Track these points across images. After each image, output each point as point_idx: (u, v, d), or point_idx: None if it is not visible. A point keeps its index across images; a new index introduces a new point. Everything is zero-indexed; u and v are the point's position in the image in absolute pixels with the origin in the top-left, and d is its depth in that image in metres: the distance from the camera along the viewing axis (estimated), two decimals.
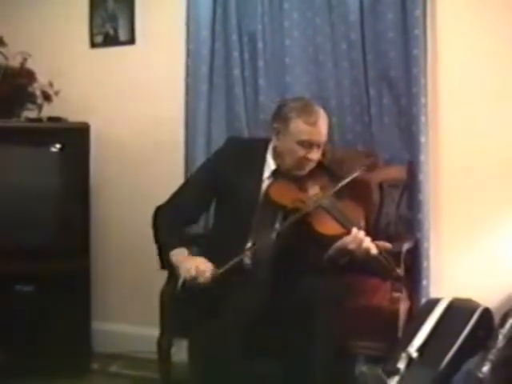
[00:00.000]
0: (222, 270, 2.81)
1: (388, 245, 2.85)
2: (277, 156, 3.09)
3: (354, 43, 3.53)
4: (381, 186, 3.45)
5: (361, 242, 2.79)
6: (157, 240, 3.07)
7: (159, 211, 3.12)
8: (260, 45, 3.68)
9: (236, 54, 3.73)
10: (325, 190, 3.02)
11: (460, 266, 3.45)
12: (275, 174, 3.10)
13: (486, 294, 3.22)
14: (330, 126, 3.13)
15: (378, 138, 3.55)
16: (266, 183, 3.09)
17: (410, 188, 3.47)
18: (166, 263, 3.03)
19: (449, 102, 3.49)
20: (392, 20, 3.45)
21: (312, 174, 3.09)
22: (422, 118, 3.41)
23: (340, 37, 3.57)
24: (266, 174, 3.10)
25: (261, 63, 3.69)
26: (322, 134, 3.02)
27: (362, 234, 2.82)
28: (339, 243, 2.85)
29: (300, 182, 3.06)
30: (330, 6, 3.58)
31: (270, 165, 3.11)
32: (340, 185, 2.98)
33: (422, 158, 3.42)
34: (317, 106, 3.07)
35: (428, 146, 3.45)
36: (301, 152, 3.00)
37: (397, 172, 3.48)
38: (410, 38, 3.40)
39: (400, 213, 3.49)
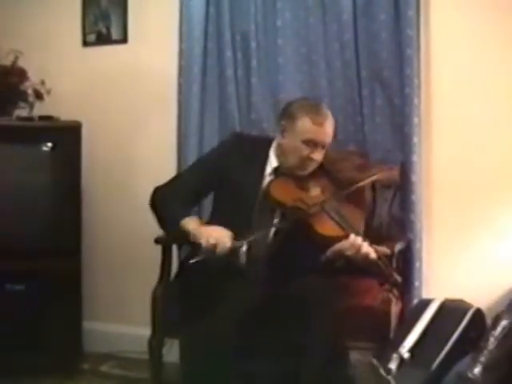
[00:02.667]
0: (239, 244, 2.82)
1: (386, 250, 2.88)
2: (280, 154, 3.10)
3: (346, 43, 3.53)
4: (373, 186, 3.45)
5: (359, 248, 2.80)
6: (161, 214, 3.05)
7: (158, 191, 3.12)
8: (253, 44, 3.68)
9: (229, 53, 3.72)
10: (327, 192, 3.03)
11: (452, 267, 3.46)
12: (277, 171, 3.11)
13: (478, 295, 3.23)
14: (336, 130, 3.13)
15: (371, 139, 3.54)
16: (266, 180, 3.09)
17: (402, 189, 3.47)
18: (175, 234, 3.02)
19: (442, 103, 3.49)
20: (385, 20, 3.45)
21: (313, 175, 3.10)
22: (415, 119, 3.42)
23: (333, 37, 3.56)
24: (268, 170, 3.11)
25: (253, 63, 3.69)
26: (327, 135, 3.04)
27: (359, 240, 2.81)
28: (337, 247, 2.85)
29: (301, 182, 3.07)
30: (323, 5, 3.58)
31: (272, 162, 3.12)
32: (346, 191, 2.97)
33: (415, 158, 3.42)
34: (325, 108, 3.09)
35: (421, 147, 3.45)
36: (305, 151, 3.01)
37: (389, 173, 3.48)
38: (403, 38, 3.40)
39: (392, 213, 3.48)
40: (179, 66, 3.82)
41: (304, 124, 3.00)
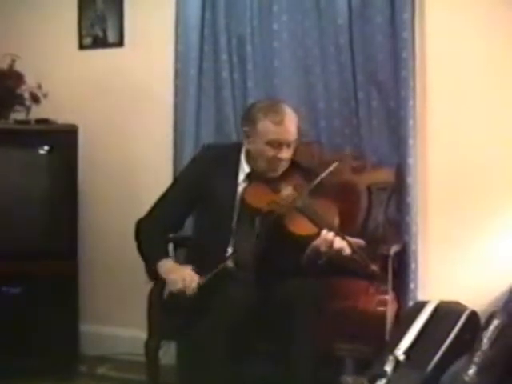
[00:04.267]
0: (206, 279, 2.85)
1: (361, 241, 2.85)
2: (250, 159, 3.11)
3: (342, 46, 3.53)
4: (369, 188, 3.47)
5: (331, 243, 2.80)
6: (141, 253, 3.10)
7: (140, 224, 3.15)
8: (249, 47, 3.68)
9: (225, 56, 3.73)
10: (298, 190, 3.02)
11: (447, 269, 3.46)
12: (250, 177, 3.11)
13: (473, 297, 3.23)
14: (300, 125, 3.11)
15: (367, 141, 3.55)
16: (241, 187, 3.10)
17: (398, 191, 3.47)
18: (152, 274, 3.07)
19: (437, 105, 3.50)
20: (380, 23, 3.46)
21: (285, 175, 3.09)
22: (411, 121, 3.42)
23: (329, 40, 3.57)
24: (241, 177, 3.12)
25: (249, 66, 3.69)
26: (289, 133, 3.02)
27: (331, 235, 2.81)
28: (313, 245, 2.86)
29: (273, 184, 3.06)
30: (319, 9, 3.59)
31: (245, 168, 3.12)
32: (312, 185, 2.98)
33: (411, 160, 3.43)
34: (284, 105, 3.07)
35: (416, 149, 3.45)
36: (270, 152, 3.00)
37: (385, 175, 3.48)
38: (399, 41, 3.41)
39: (388, 216, 3.48)
40: (175, 69, 3.82)
41: (264, 126, 2.99)
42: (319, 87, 3.62)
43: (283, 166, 3.06)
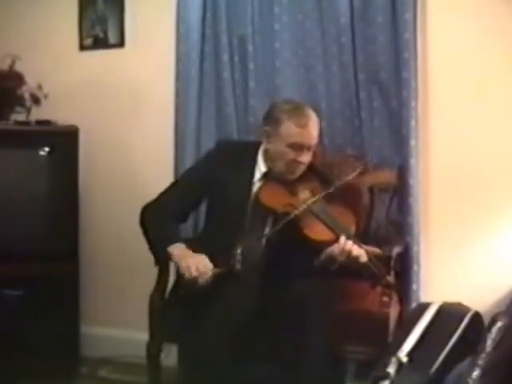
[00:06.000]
0: (220, 271, 2.84)
1: (377, 250, 2.85)
2: (267, 159, 3.08)
3: (344, 46, 3.52)
4: (371, 190, 3.47)
5: (349, 253, 2.79)
6: (149, 237, 3.07)
7: (146, 210, 3.14)
8: (250, 48, 3.68)
9: (226, 57, 3.72)
10: (315, 194, 2.99)
11: (450, 270, 3.46)
12: (266, 176, 3.09)
13: (477, 298, 3.22)
14: (321, 129, 3.10)
15: (369, 142, 3.54)
16: (256, 185, 3.08)
17: (400, 192, 3.47)
18: (162, 258, 3.04)
19: (439, 106, 3.50)
20: (382, 23, 3.45)
21: (303, 178, 3.07)
22: (412, 122, 3.42)
23: (330, 40, 3.56)
24: (257, 176, 3.09)
25: (251, 66, 3.68)
26: (312, 137, 3.01)
27: (349, 244, 2.80)
28: (328, 251, 2.84)
29: (290, 186, 3.04)
30: (321, 9, 3.58)
31: (261, 167, 3.10)
32: (330, 189, 2.96)
33: (412, 161, 3.42)
34: (308, 108, 3.05)
35: (418, 150, 3.45)
36: (291, 155, 2.98)
37: (387, 176, 3.48)
38: (400, 41, 3.41)
39: (390, 217, 3.49)
40: (176, 70, 3.81)
41: (287, 128, 2.97)
42: (321, 87, 3.61)
43: (301, 170, 3.04)
